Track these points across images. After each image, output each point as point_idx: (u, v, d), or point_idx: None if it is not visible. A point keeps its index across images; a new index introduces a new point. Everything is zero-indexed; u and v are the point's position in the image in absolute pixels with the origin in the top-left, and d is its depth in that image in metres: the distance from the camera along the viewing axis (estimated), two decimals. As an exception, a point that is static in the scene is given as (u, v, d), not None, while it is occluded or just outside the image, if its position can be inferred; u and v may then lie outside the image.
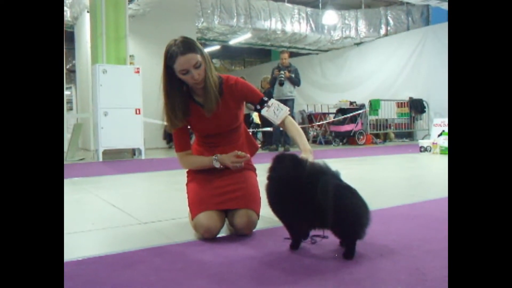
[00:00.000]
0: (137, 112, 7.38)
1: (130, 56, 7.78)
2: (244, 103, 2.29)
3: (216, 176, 2.21)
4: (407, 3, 12.08)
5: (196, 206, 2.12)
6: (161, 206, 3.18)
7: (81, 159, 7.33)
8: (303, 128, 10.37)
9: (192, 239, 2.10)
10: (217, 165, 2.14)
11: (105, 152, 7.28)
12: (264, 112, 2.19)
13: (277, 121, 2.17)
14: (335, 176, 1.79)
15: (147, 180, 4.88)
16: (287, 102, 8.21)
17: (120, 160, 7.32)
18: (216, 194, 2.14)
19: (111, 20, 7.54)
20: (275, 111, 2.17)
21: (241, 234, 2.11)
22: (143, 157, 7.54)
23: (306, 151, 1.99)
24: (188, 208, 2.23)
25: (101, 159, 7.12)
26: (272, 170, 1.83)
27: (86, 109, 9.65)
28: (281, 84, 8.42)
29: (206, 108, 2.12)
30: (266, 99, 2.21)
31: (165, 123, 2.22)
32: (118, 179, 4.88)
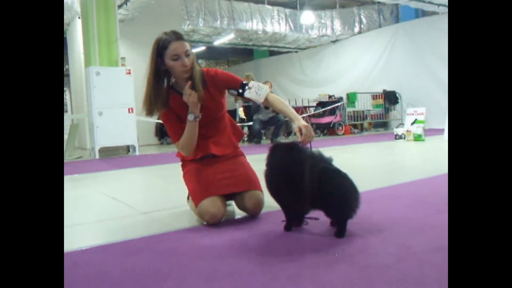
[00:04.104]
0: (130, 111, 7.32)
1: (121, 58, 7.69)
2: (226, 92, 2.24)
3: (212, 164, 2.19)
4: (378, 2, 12.12)
5: (198, 193, 2.09)
6: (159, 197, 3.16)
7: (78, 157, 7.23)
8: (286, 121, 10.38)
9: (191, 226, 2.09)
10: (191, 118, 2.05)
11: (101, 150, 7.20)
12: (246, 94, 2.14)
13: (260, 99, 2.13)
14: (325, 160, 1.80)
15: (143, 174, 4.84)
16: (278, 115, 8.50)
17: (116, 156, 7.24)
18: (217, 180, 2.12)
19: (102, 25, 7.44)
20: (256, 91, 2.13)
21: (251, 215, 2.13)
22: (137, 153, 7.47)
23: (298, 119, 1.97)
24: (189, 197, 2.21)
25: (97, 157, 7.04)
26: (269, 158, 1.84)
27: (81, 110, 9.52)
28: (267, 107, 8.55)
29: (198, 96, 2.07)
30: (245, 82, 2.17)
31: (144, 112, 2.14)
32: (115, 174, 4.83)
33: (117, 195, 3.21)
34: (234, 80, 2.19)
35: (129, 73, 7.31)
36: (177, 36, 2.02)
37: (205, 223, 2.08)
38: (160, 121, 10.03)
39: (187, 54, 2.03)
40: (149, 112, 2.13)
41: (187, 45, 2.04)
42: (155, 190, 3.61)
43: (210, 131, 2.21)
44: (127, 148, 7.69)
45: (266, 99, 2.14)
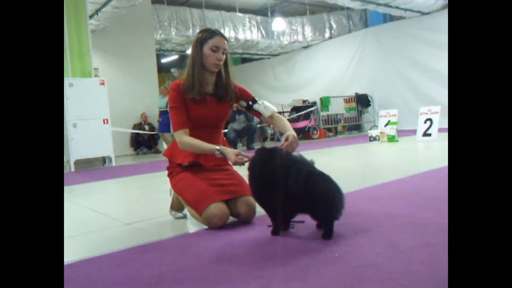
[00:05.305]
0: (105, 122, 7.20)
1: (94, 69, 7.56)
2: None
3: (203, 173, 2.22)
4: (347, 8, 12.35)
5: (202, 200, 2.11)
6: (139, 207, 3.10)
7: (53, 171, 7.05)
8: (261, 127, 10.42)
9: (176, 234, 2.07)
10: (218, 154, 2.11)
11: (77, 162, 7.05)
12: (256, 106, 2.30)
13: (267, 113, 2.29)
14: (308, 164, 1.81)
15: (121, 185, 4.75)
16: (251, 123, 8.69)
17: (92, 168, 7.10)
18: (215, 186, 2.16)
19: (74, 35, 7.31)
20: (265, 106, 2.30)
21: (244, 221, 2.15)
22: (113, 164, 7.34)
23: (290, 130, 2.09)
24: (172, 206, 2.19)
25: (73, 169, 6.89)
26: (252, 163, 1.84)
27: (54, 122, 9.31)
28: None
29: (219, 94, 2.23)
30: (257, 99, 2.34)
31: (188, 91, 2.19)
32: (93, 186, 4.73)
33: (96, 207, 3.14)
34: (248, 93, 2.35)
35: (103, 83, 7.20)
36: (221, 34, 2.19)
37: (206, 227, 2.11)
38: (134, 130, 9.95)
39: (223, 53, 2.18)
40: (199, 94, 2.18)
41: (227, 45, 2.20)
42: (135, 200, 3.55)
43: (205, 137, 2.20)
44: (103, 160, 7.55)
45: (271, 116, 2.29)
